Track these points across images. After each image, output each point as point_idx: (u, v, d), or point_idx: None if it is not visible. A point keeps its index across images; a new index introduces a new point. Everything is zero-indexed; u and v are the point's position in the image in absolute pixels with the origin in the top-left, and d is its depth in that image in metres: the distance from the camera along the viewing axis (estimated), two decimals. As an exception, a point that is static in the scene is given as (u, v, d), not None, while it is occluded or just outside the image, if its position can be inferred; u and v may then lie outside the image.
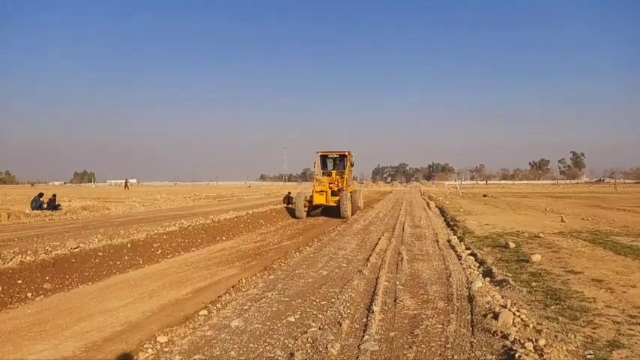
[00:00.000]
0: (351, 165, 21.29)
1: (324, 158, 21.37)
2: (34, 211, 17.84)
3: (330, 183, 19.45)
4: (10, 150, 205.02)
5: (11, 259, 7.16)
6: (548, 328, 4.40)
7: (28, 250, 7.97)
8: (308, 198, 19.16)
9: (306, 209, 18.88)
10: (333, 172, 20.55)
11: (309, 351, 4.15)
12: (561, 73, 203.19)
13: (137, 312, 5.65)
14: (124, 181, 78.47)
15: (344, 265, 8.37)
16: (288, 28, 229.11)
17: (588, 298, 5.52)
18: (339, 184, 19.73)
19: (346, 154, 20.75)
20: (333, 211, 18.75)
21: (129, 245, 9.21)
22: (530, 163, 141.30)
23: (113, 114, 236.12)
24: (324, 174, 20.98)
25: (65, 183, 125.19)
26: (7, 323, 5.29)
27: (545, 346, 3.92)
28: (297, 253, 9.65)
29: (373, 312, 5.27)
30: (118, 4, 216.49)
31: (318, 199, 18.81)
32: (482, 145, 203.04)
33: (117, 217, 17.10)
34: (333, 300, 5.88)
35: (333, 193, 19.14)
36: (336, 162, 21.40)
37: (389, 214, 20.68)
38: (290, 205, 20.31)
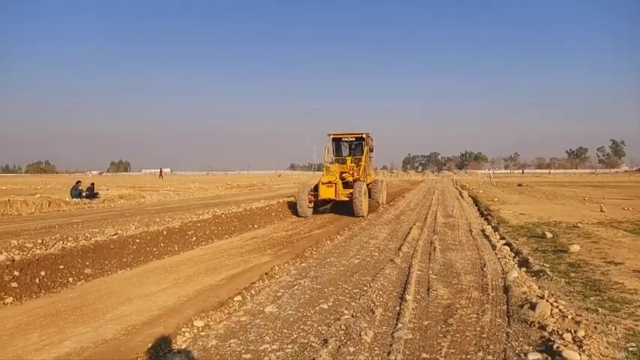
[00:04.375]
0: (370, 150, 17.49)
1: (337, 142, 17.51)
2: (74, 199, 18.45)
3: (342, 172, 15.93)
4: (49, 141, 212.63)
5: (53, 245, 7.44)
6: (587, 320, 4.28)
7: (69, 236, 8.26)
8: (313, 191, 15.44)
9: (312, 205, 15.28)
10: (348, 159, 16.90)
11: (343, 338, 4.16)
12: (598, 59, 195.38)
13: (174, 297, 5.79)
14: (158, 170, 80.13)
15: (375, 253, 8.35)
16: (317, 14, 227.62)
17: (629, 289, 5.34)
18: (355, 174, 16.00)
19: (363, 136, 16.87)
20: (346, 207, 15.04)
21: (164, 232, 9.43)
22: (567, 152, 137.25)
23: (148, 104, 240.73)
24: (337, 161, 17.31)
25: (102, 173, 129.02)
26: (51, 306, 5.51)
27: (584, 337, 3.81)
28: (328, 242, 9.68)
29: (406, 300, 5.24)
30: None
31: (326, 193, 14.95)
32: (516, 133, 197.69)
33: (152, 205, 17.56)
34: (366, 288, 5.88)
35: (347, 185, 15.48)
36: (351, 146, 17.57)
37: (420, 203, 20.46)
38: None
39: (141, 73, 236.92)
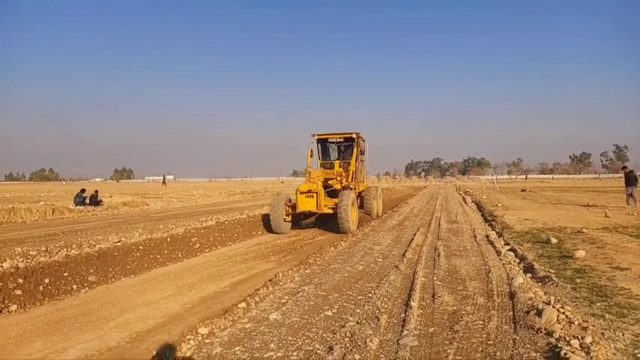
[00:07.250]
0: (361, 152, 14.96)
1: (323, 143, 14.91)
2: (77, 206, 18.52)
3: (328, 178, 13.81)
4: (52, 148, 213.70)
5: (57, 253, 7.46)
6: (594, 326, 4.24)
7: (73, 244, 8.29)
8: (291, 202, 13.13)
9: (290, 218, 12.93)
10: (336, 164, 14.38)
11: (348, 345, 4.13)
12: (601, 64, 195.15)
13: (178, 304, 5.79)
14: (161, 177, 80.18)
15: (380, 260, 8.31)
16: (316, 20, 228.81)
17: (636, 295, 5.29)
18: (344, 180, 13.77)
19: (353, 136, 14.33)
20: (335, 220, 12.37)
21: (168, 239, 9.43)
22: (570, 157, 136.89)
23: (151, 112, 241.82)
24: (323, 165, 14.79)
25: (106, 180, 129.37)
26: (55, 314, 5.52)
27: (592, 343, 3.77)
28: (332, 248, 9.64)
29: (411, 307, 5.21)
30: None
31: (304, 204, 12.52)
32: (519, 139, 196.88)
33: (156, 212, 17.58)
34: (370, 295, 5.84)
35: (334, 194, 13.27)
36: (340, 148, 15.04)
37: (424, 209, 20.40)
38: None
39: (143, 81, 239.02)
